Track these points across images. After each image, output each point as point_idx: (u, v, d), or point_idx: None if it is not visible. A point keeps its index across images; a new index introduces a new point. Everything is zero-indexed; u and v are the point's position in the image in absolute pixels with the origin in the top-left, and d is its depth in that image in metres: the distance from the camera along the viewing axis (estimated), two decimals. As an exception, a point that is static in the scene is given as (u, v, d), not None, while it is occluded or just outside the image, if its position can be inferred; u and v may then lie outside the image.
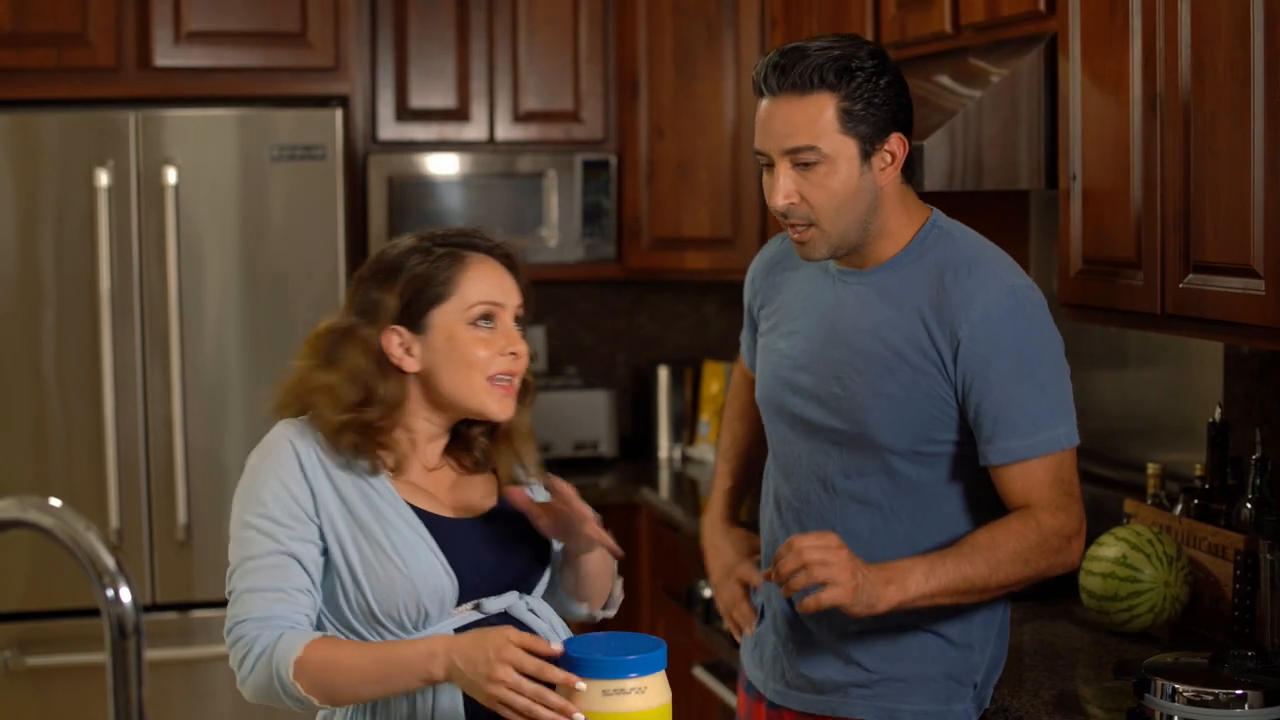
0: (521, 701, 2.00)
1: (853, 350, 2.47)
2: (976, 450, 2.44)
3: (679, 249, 4.77)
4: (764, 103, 2.45)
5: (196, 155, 4.33)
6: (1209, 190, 2.50)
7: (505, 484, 2.32)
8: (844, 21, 3.89)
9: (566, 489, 2.21)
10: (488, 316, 2.23)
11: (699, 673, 3.72)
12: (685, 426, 5.02)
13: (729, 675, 3.60)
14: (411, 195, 4.70)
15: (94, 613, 4.23)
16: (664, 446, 5.02)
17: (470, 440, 2.31)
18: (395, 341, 2.22)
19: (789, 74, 2.40)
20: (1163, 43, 2.59)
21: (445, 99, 4.74)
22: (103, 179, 4.26)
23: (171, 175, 4.29)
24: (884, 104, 2.41)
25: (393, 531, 2.18)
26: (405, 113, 4.73)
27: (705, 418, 4.96)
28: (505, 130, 4.78)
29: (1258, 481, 2.83)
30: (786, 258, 2.64)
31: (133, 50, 4.44)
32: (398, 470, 2.23)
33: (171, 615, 4.35)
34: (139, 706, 1.43)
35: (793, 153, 2.41)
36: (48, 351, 4.29)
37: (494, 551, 2.25)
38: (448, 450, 2.31)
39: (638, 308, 5.18)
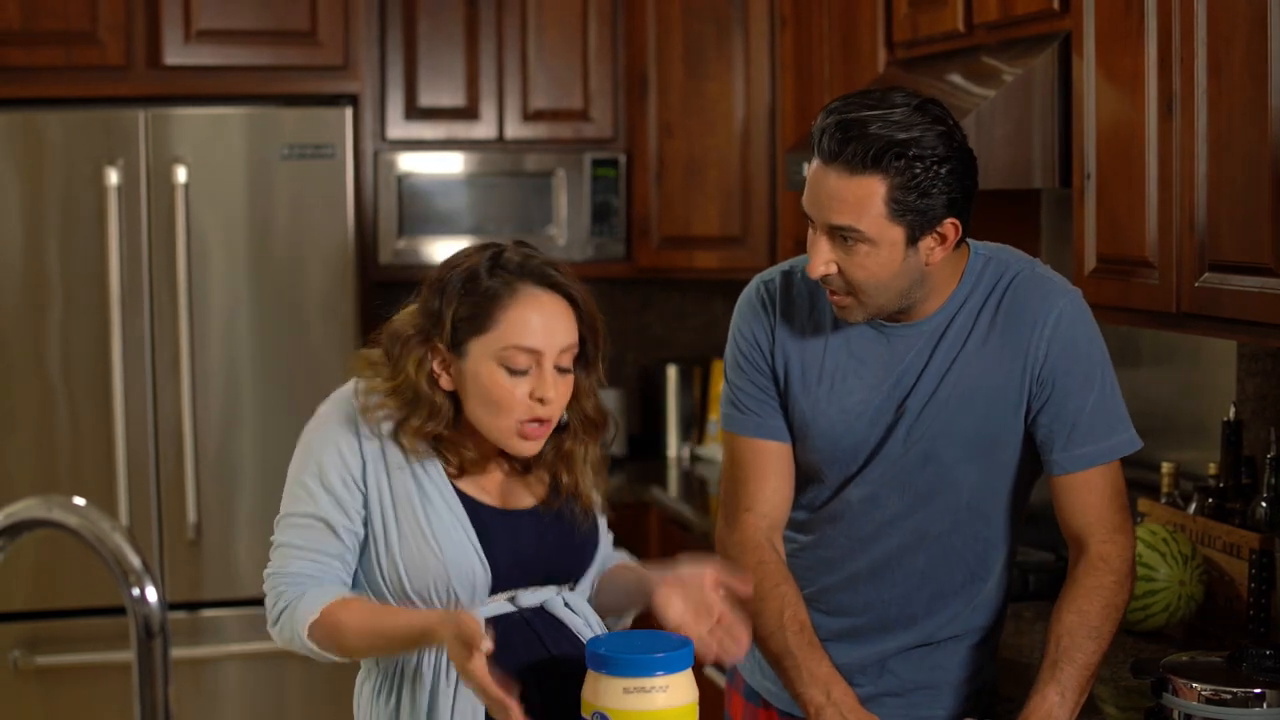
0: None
1: (926, 396, 2.40)
2: (1021, 463, 2.43)
3: (688, 248, 4.77)
4: (815, 163, 2.29)
5: (206, 154, 4.33)
6: (1226, 189, 2.50)
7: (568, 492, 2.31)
8: (855, 20, 3.88)
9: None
10: (522, 364, 2.17)
11: (710, 672, 3.72)
12: (694, 425, 5.02)
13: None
14: (421, 194, 4.70)
15: (101, 612, 4.26)
16: (673, 445, 5.02)
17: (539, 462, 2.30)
18: (438, 359, 2.22)
19: (844, 148, 2.23)
20: (1179, 42, 2.59)
21: (454, 98, 4.74)
22: (112, 178, 4.25)
23: (181, 174, 4.29)
24: (941, 192, 2.26)
25: (433, 513, 2.19)
26: (414, 111, 4.72)
27: (714, 417, 4.96)
28: (514, 129, 4.78)
29: (1272, 480, 2.83)
30: (798, 311, 2.48)
31: (142, 49, 4.43)
32: (475, 467, 2.25)
33: (180, 615, 4.34)
34: (165, 705, 1.43)
35: (834, 229, 2.28)
36: (58, 350, 4.29)
37: (536, 544, 2.25)
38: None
39: (646, 307, 5.18)
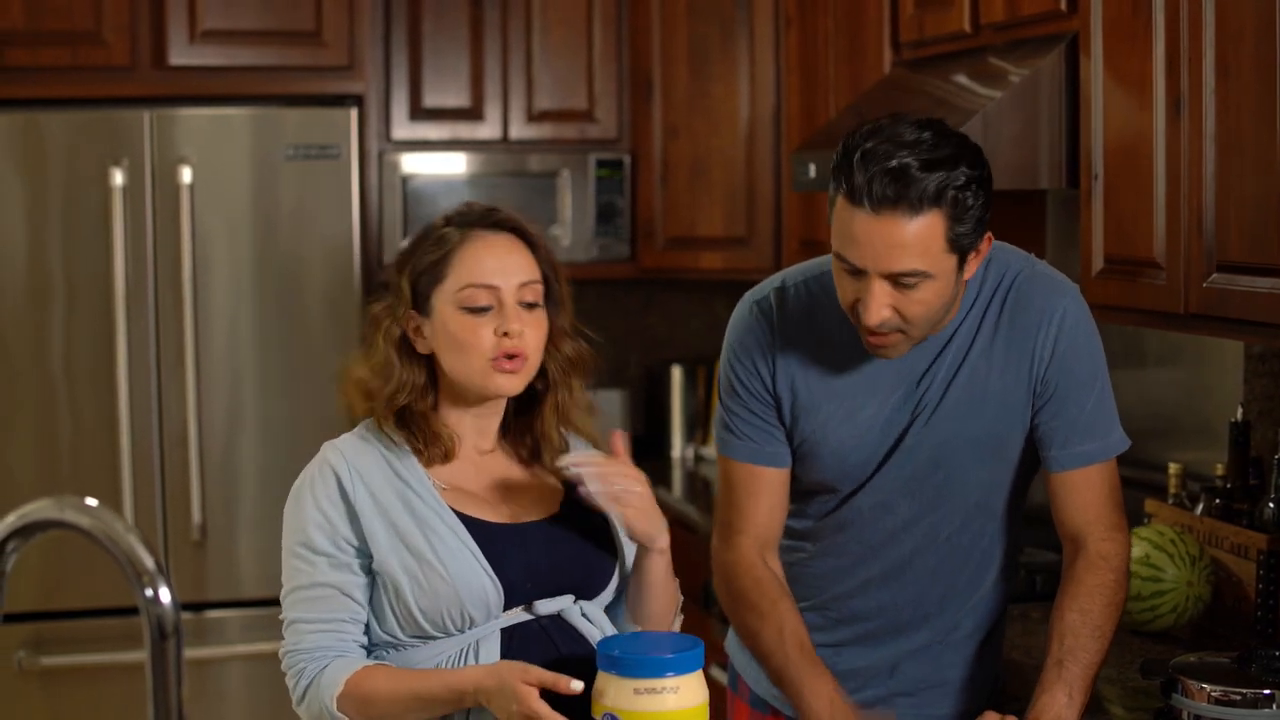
0: None
1: (935, 402, 2.39)
2: (1023, 459, 2.42)
3: (693, 249, 4.77)
4: (858, 214, 2.21)
5: (211, 154, 4.33)
6: (1234, 190, 2.50)
7: (555, 455, 2.31)
8: (861, 21, 3.88)
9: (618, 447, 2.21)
10: (482, 301, 2.20)
11: (716, 673, 3.71)
12: (698, 426, 5.02)
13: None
14: (425, 194, 4.70)
15: (106, 613, 4.26)
16: (677, 446, 5.01)
17: (523, 425, 2.31)
18: (411, 324, 2.24)
19: (902, 194, 2.18)
20: (1186, 43, 2.59)
21: (459, 98, 4.74)
22: (117, 178, 4.25)
23: (186, 174, 4.29)
24: (983, 214, 2.25)
25: (434, 538, 2.17)
26: (419, 112, 4.72)
27: (719, 417, 4.96)
28: (519, 129, 4.78)
29: (1280, 481, 2.82)
30: (798, 329, 2.44)
31: (147, 49, 4.43)
32: (448, 459, 2.23)
33: (185, 615, 4.34)
34: (178, 707, 1.43)
35: (896, 275, 2.22)
36: (62, 351, 4.29)
37: (550, 556, 2.23)
38: (505, 437, 2.32)
39: (650, 307, 5.18)
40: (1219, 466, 3.00)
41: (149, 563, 1.42)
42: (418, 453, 2.23)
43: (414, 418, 2.23)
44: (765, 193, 4.63)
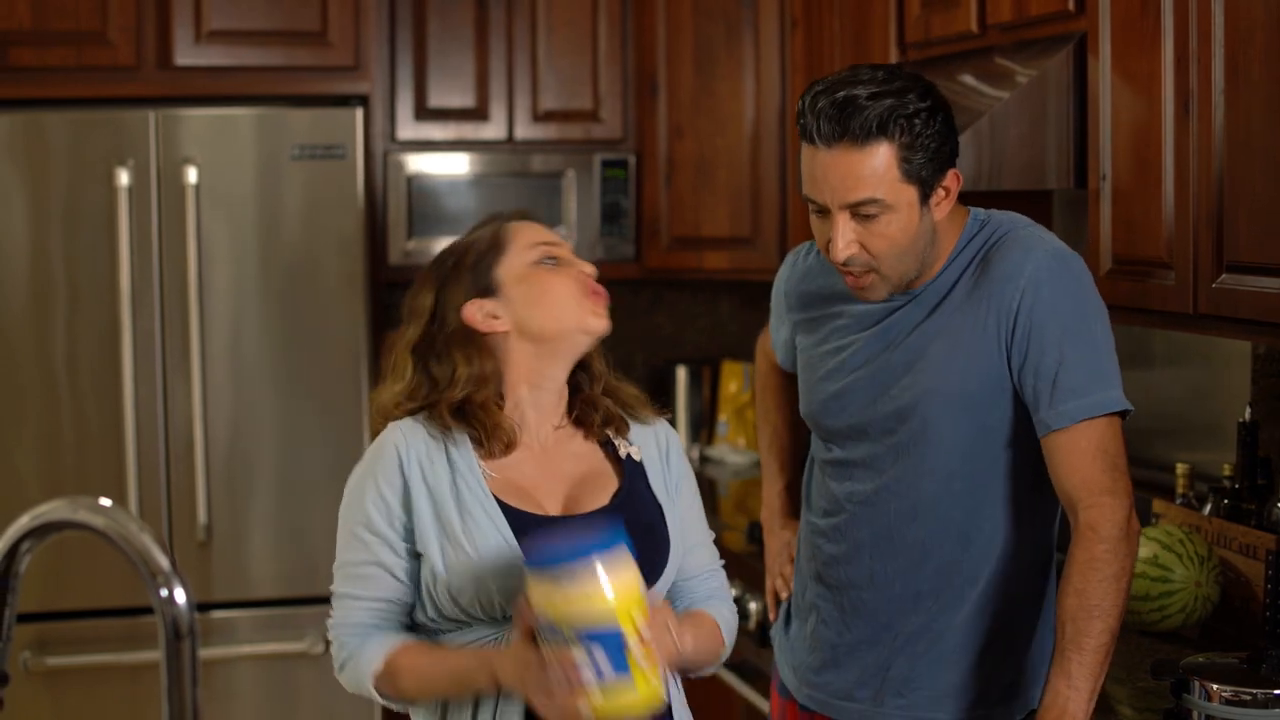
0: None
1: (907, 353, 2.45)
2: (1018, 431, 2.42)
3: (698, 248, 4.76)
4: (814, 152, 2.38)
5: (216, 155, 4.33)
6: (1244, 189, 2.49)
7: (608, 420, 2.36)
8: (867, 21, 3.88)
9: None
10: (554, 253, 2.31)
11: (723, 673, 3.71)
12: (704, 426, 5.02)
13: (753, 675, 3.59)
14: (430, 195, 4.70)
15: (111, 613, 4.26)
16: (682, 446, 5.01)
17: (592, 400, 2.36)
18: (476, 311, 2.27)
19: (846, 126, 2.33)
20: (1195, 43, 2.59)
21: (464, 98, 4.74)
22: (123, 178, 4.25)
23: (192, 175, 4.29)
24: (940, 145, 2.37)
25: (475, 530, 2.20)
26: (424, 112, 4.72)
27: (724, 417, 4.95)
28: (524, 130, 4.77)
29: (1288, 481, 2.83)
30: (822, 270, 2.62)
31: (153, 49, 4.43)
32: (509, 449, 2.26)
33: (191, 615, 4.33)
34: (193, 707, 1.43)
35: (854, 206, 2.36)
36: (67, 352, 4.29)
37: None
38: (570, 413, 2.36)
39: (655, 307, 5.17)
40: (1227, 466, 3.00)
41: (164, 563, 1.42)
42: (477, 444, 2.26)
43: (474, 409, 2.26)
44: (770, 193, 4.63)
